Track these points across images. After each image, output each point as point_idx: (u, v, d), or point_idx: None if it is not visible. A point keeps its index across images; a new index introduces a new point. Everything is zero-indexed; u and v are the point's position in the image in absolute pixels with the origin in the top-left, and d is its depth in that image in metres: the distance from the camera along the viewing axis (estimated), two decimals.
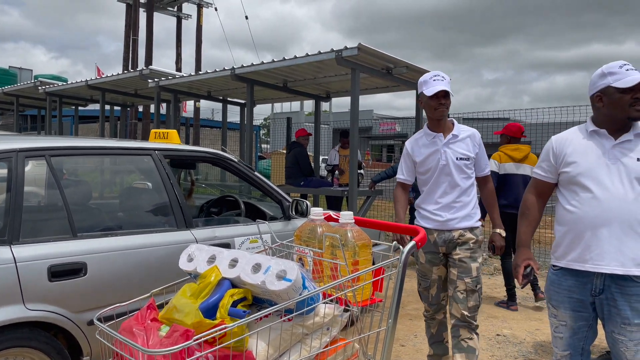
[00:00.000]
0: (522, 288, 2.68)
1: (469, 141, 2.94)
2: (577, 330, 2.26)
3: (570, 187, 2.26)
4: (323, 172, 10.83)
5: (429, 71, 6.73)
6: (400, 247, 2.05)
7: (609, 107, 2.17)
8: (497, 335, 4.24)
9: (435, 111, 2.87)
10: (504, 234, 3.01)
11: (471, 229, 2.90)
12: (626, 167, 2.13)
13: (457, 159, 2.89)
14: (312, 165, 8.14)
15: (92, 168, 4.16)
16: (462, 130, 2.97)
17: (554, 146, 2.34)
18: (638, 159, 2.13)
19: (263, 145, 31.09)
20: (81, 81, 9.51)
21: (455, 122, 3.01)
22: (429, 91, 2.82)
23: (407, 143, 3.10)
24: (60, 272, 2.37)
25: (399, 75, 6.61)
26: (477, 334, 2.86)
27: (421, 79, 2.91)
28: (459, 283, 2.85)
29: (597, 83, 2.20)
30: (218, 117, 10.84)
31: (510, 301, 5.03)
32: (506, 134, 5.16)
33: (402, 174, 3.09)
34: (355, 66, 5.90)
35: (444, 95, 2.83)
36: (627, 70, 2.14)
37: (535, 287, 5.06)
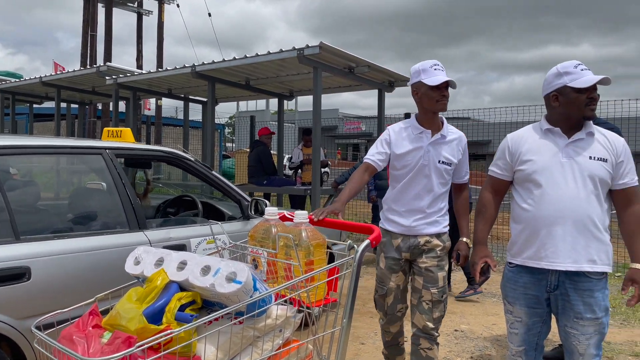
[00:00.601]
0: (479, 286, 2.70)
1: (455, 145, 2.73)
2: (532, 326, 2.30)
3: (525, 185, 2.29)
4: (288, 172, 10.78)
5: (390, 71, 6.82)
6: (355, 246, 2.03)
7: (565, 106, 2.21)
8: (455, 330, 4.30)
9: (437, 103, 2.61)
10: (470, 244, 2.73)
11: (438, 235, 2.73)
12: (579, 165, 2.17)
13: (439, 162, 2.67)
14: (276, 164, 8.10)
15: (40, 168, 4.00)
16: (450, 131, 2.74)
17: (510, 144, 2.36)
18: (590, 157, 2.17)
19: (228, 144, 30.73)
20: (35, 78, 9.17)
21: (445, 121, 2.76)
22: (431, 80, 2.57)
23: (390, 128, 2.80)
24: (2, 277, 2.26)
25: (361, 75, 6.63)
26: (437, 343, 2.73)
27: (418, 66, 2.65)
28: (425, 293, 2.68)
29: (553, 82, 2.24)
30: (181, 116, 10.64)
31: (471, 285, 5.32)
32: None
33: (373, 155, 2.72)
34: (317, 65, 5.88)
35: (446, 87, 2.61)
36: (582, 70, 2.20)
37: (470, 281, 5.44)
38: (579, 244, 2.15)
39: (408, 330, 2.84)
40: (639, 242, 2.17)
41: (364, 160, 2.75)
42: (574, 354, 2.21)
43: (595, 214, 2.15)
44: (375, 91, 7.47)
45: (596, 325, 2.16)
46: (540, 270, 2.22)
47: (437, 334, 2.71)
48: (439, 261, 2.70)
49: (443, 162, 2.68)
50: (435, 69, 2.61)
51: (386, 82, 7.24)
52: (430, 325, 2.68)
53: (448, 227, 2.78)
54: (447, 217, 2.78)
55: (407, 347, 2.87)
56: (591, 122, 2.24)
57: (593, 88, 2.18)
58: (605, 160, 2.16)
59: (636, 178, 2.19)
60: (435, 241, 2.71)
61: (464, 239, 2.73)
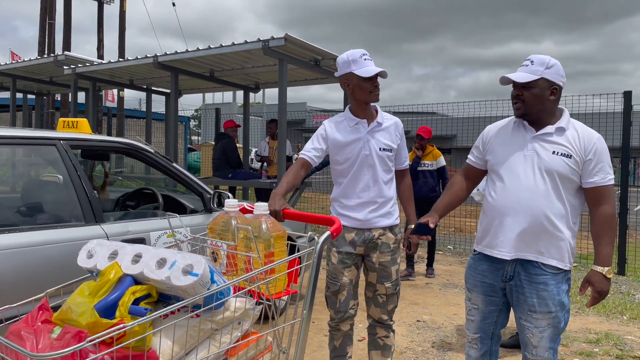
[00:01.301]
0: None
1: (392, 130, 2.72)
2: (488, 314, 2.34)
3: (491, 175, 2.34)
4: (255, 165, 10.69)
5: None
6: (315, 237, 2.03)
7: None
8: (417, 321, 4.38)
9: (371, 94, 2.59)
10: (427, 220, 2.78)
11: (391, 228, 2.71)
12: (540, 159, 2.18)
13: (380, 149, 2.64)
14: (241, 157, 8.02)
15: None
16: (385, 118, 2.72)
17: (484, 134, 2.42)
18: (553, 152, 2.17)
19: (194, 137, 30.27)
20: None
21: (379, 108, 2.75)
22: (363, 72, 2.53)
23: (325, 122, 2.75)
24: None
25: (327, 68, 6.62)
26: (393, 331, 2.81)
27: (346, 56, 2.58)
28: (379, 287, 2.70)
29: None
30: (145, 107, 10.40)
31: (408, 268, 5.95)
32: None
33: (309, 151, 2.65)
34: (282, 57, 5.84)
35: (377, 77, 2.59)
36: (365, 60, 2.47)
37: (429, 264, 6.07)
38: (528, 236, 2.18)
39: (356, 344, 2.85)
40: (602, 244, 2.14)
41: (299, 156, 2.71)
42: (528, 346, 2.25)
43: (550, 209, 2.15)
44: None
45: (550, 319, 2.18)
46: (498, 260, 2.25)
47: (391, 322, 2.80)
48: (392, 255, 2.70)
49: (384, 149, 2.66)
50: (365, 59, 2.56)
51: None
52: (385, 317, 2.76)
53: (399, 220, 2.77)
54: (397, 208, 2.77)
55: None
56: (566, 116, 2.22)
57: (514, 85, 2.23)
58: (569, 157, 2.14)
59: (609, 177, 2.14)
60: (389, 234, 2.70)
61: (412, 226, 2.64)
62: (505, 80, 2.24)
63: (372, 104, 2.70)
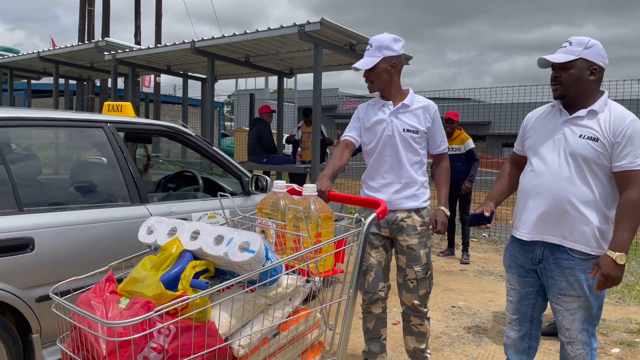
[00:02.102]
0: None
1: (421, 113, 2.69)
2: (525, 295, 2.36)
3: (527, 160, 2.36)
4: (287, 151, 10.78)
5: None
6: (362, 219, 2.07)
7: None
8: (452, 307, 4.39)
9: (368, 88, 2.74)
10: (448, 212, 2.72)
11: (417, 210, 2.68)
12: (567, 142, 2.16)
13: (404, 130, 2.65)
14: (275, 142, 8.10)
15: (42, 141, 4.00)
16: (416, 100, 2.72)
17: (524, 121, 2.45)
18: (580, 136, 2.13)
19: (227, 123, 30.60)
20: (33, 53, 9.07)
21: (412, 92, 2.76)
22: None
23: (359, 106, 2.89)
24: (5, 247, 2.28)
25: (362, 52, 6.57)
26: (427, 319, 2.79)
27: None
28: (409, 271, 2.69)
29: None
30: (180, 93, 10.56)
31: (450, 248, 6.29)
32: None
33: (348, 132, 2.79)
34: (317, 41, 5.85)
35: (367, 71, 2.67)
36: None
37: (464, 249, 6.14)
38: (548, 219, 2.17)
39: (390, 327, 2.88)
40: (619, 229, 2.06)
41: (342, 138, 2.80)
42: (561, 328, 2.26)
43: (574, 193, 2.12)
44: None
45: (580, 302, 2.17)
46: (527, 242, 2.27)
47: (425, 310, 2.76)
48: (420, 238, 2.67)
49: (408, 130, 2.66)
50: (367, 50, 2.71)
51: None
52: (417, 302, 2.72)
53: (428, 202, 2.75)
54: (427, 192, 2.76)
55: (390, 343, 2.93)
56: (602, 99, 2.17)
57: (552, 67, 2.20)
58: (595, 140, 2.10)
59: (638, 162, 2.05)
60: (415, 217, 2.67)
61: (442, 208, 2.69)
62: (543, 62, 2.22)
63: (406, 88, 2.78)
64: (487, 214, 2.38)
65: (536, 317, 2.41)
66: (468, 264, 6.01)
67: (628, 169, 2.06)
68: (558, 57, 2.16)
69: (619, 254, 2.03)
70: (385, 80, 2.69)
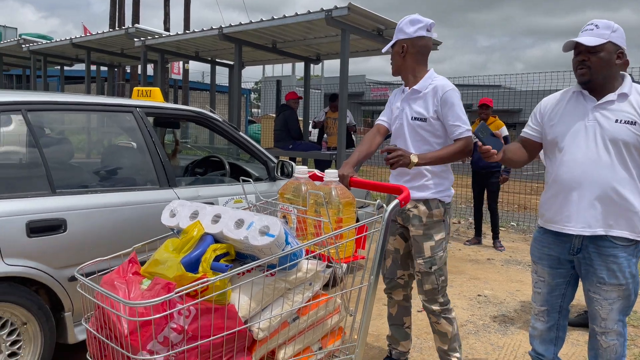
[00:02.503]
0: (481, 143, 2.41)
1: (430, 97, 2.50)
2: (555, 287, 2.31)
3: (551, 149, 2.27)
4: (313, 137, 10.77)
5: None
6: (384, 205, 2.05)
7: None
8: (478, 295, 4.34)
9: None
10: (415, 159, 2.34)
11: (425, 201, 2.55)
12: (603, 129, 2.10)
13: (412, 118, 2.53)
14: (301, 129, 8.10)
15: (73, 125, 4.09)
16: (428, 84, 2.52)
17: (541, 107, 2.35)
18: (616, 120, 2.08)
19: (254, 110, 30.77)
20: (66, 39, 9.26)
21: (429, 74, 2.56)
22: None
23: (394, 90, 2.85)
24: (39, 227, 2.35)
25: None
26: (445, 318, 2.61)
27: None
28: (416, 263, 2.62)
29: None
30: (208, 80, 10.69)
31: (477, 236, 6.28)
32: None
33: (382, 116, 2.72)
34: (345, 27, 5.79)
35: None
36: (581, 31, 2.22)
37: (495, 237, 6.14)
38: (596, 209, 2.11)
39: (415, 315, 2.83)
40: None
41: (375, 123, 2.76)
42: (596, 319, 2.21)
43: (617, 180, 2.08)
44: None
45: (620, 290, 2.13)
46: (564, 234, 2.20)
47: (436, 308, 2.60)
48: (425, 230, 2.55)
49: (415, 118, 2.52)
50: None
51: None
52: (423, 297, 2.62)
53: (443, 195, 2.57)
54: (442, 182, 2.58)
55: (415, 330, 2.90)
56: (628, 82, 2.13)
57: (578, 51, 2.13)
58: (633, 124, 2.05)
59: None
60: (421, 207, 2.55)
61: (412, 153, 2.37)
62: (569, 46, 2.16)
63: (424, 70, 2.60)
64: (497, 155, 2.21)
65: (565, 308, 2.37)
66: (504, 250, 5.96)
67: None
68: (590, 40, 2.09)
69: None
70: (398, 64, 2.61)
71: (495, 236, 6.15)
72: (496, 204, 6.17)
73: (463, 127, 2.46)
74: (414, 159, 2.33)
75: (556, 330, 2.39)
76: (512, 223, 7.76)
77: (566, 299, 2.34)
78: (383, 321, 3.62)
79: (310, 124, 8.89)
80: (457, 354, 2.67)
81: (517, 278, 4.91)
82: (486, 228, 6.89)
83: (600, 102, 2.13)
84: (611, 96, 2.11)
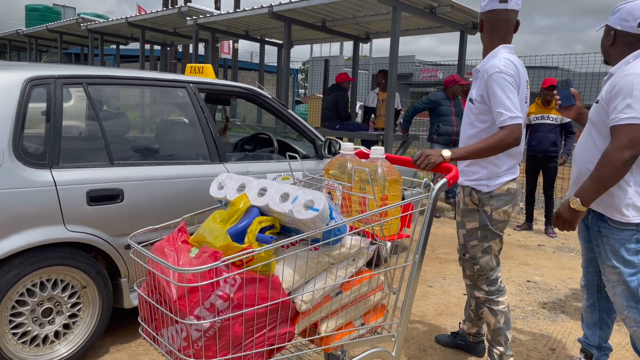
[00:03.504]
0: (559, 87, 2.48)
1: (480, 79, 2.38)
2: (589, 262, 2.40)
3: None
4: (359, 119, 10.68)
5: (475, 11, 6.41)
6: (431, 184, 2.01)
7: None
8: (528, 281, 4.22)
9: None
10: (447, 154, 2.15)
11: (464, 187, 2.51)
12: (592, 109, 2.20)
13: (469, 100, 2.47)
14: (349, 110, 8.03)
15: (129, 100, 4.23)
16: (486, 64, 2.37)
17: None
18: (596, 102, 2.16)
19: (300, 91, 30.80)
20: (121, 18, 9.55)
21: (494, 51, 2.38)
22: None
23: None
24: (99, 197, 2.47)
25: (442, 15, 6.33)
26: (488, 307, 2.54)
27: None
28: None
29: None
30: (257, 60, 10.75)
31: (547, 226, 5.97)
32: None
33: None
34: (396, 4, 5.67)
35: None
36: None
37: (548, 222, 5.98)
38: (576, 183, 2.23)
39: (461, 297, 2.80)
40: (587, 178, 2.07)
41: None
42: (610, 299, 2.28)
43: (587, 157, 2.16)
44: (457, 35, 7.12)
45: (616, 274, 2.15)
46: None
47: (480, 295, 2.55)
48: (462, 217, 2.55)
49: (471, 99, 2.46)
50: None
51: (470, 24, 6.87)
52: (466, 281, 2.65)
53: (476, 182, 2.45)
54: (477, 171, 2.44)
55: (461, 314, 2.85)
56: (622, 61, 2.12)
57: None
58: (597, 102, 2.14)
59: (620, 116, 1.97)
60: (461, 194, 2.55)
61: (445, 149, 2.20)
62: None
63: (498, 47, 2.40)
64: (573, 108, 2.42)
65: (604, 288, 2.36)
66: (556, 237, 5.78)
67: (611, 124, 2.02)
68: (599, 27, 2.30)
69: (574, 198, 2.07)
70: (483, 42, 2.48)
71: (548, 222, 5.96)
72: (553, 189, 5.97)
73: (506, 114, 2.23)
74: (446, 154, 2.14)
75: (599, 312, 2.41)
76: None
77: (602, 281, 2.32)
78: (427, 302, 3.59)
79: (358, 107, 8.78)
80: (501, 348, 2.56)
81: (569, 265, 4.74)
82: (537, 214, 6.67)
83: (603, 81, 2.21)
84: (607, 77, 2.17)
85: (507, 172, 2.44)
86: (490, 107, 2.33)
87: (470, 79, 6.22)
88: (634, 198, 2.09)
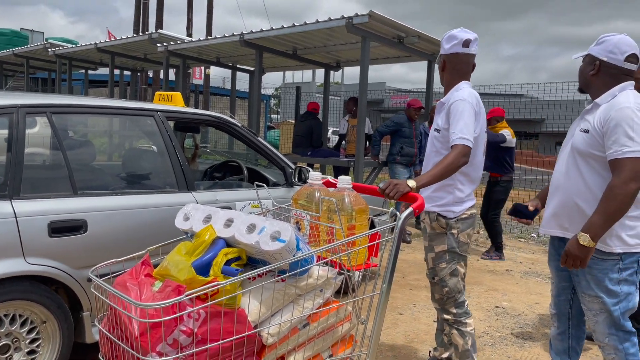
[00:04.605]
0: (509, 213, 2.57)
1: (445, 109, 2.51)
2: (561, 290, 2.38)
3: None
4: (331, 144, 10.77)
5: (440, 40, 6.60)
6: (398, 213, 2.04)
7: None
8: (496, 307, 4.26)
9: None
10: (412, 183, 2.19)
11: (429, 213, 2.59)
12: (572, 137, 2.23)
13: (435, 129, 2.59)
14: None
15: (96, 128, 4.18)
16: (450, 96, 2.51)
17: None
18: (579, 129, 2.18)
19: (273, 116, 30.95)
20: (91, 44, 9.47)
21: (457, 85, 2.54)
22: None
23: None
24: (61, 228, 2.40)
25: (410, 45, 6.50)
26: (457, 329, 2.59)
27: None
28: None
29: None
30: (229, 85, 10.81)
31: (497, 252, 5.97)
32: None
33: None
34: (365, 34, 5.80)
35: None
36: None
37: (494, 247, 6.00)
38: (554, 213, 2.26)
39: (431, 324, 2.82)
40: (594, 212, 2.05)
41: None
42: (592, 331, 2.26)
43: (572, 187, 2.18)
44: (424, 63, 7.31)
45: (600, 303, 2.14)
46: (557, 237, 2.33)
47: (448, 317, 2.61)
48: (429, 241, 2.62)
49: (435, 129, 2.59)
50: None
51: (436, 53, 7.07)
52: (435, 305, 2.69)
53: (442, 208, 2.54)
54: (442, 197, 2.54)
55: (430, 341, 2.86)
56: (610, 92, 2.14)
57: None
58: (586, 132, 2.13)
59: (622, 150, 1.99)
60: (427, 219, 2.63)
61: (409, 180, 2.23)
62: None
63: (456, 83, 2.58)
64: (531, 208, 2.44)
65: (575, 316, 2.37)
66: (488, 259, 5.88)
67: (612, 157, 2.04)
68: (576, 54, 2.29)
69: (583, 234, 2.04)
70: (440, 77, 2.66)
71: (495, 247, 5.97)
72: (495, 215, 5.86)
73: (457, 134, 2.36)
74: (412, 184, 2.20)
75: (569, 339, 2.41)
76: (532, 234, 7.62)
77: (574, 305, 2.35)
78: (397, 330, 3.59)
79: (331, 131, 8.89)
80: None
81: (536, 290, 4.82)
82: (506, 239, 6.78)
83: (583, 111, 2.25)
84: (589, 105, 2.21)
85: (470, 197, 2.59)
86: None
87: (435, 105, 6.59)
88: (617, 229, 2.09)
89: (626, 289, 2.13)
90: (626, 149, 1.99)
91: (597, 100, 2.15)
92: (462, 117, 2.40)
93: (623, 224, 2.09)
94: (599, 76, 2.18)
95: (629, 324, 2.17)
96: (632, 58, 2.13)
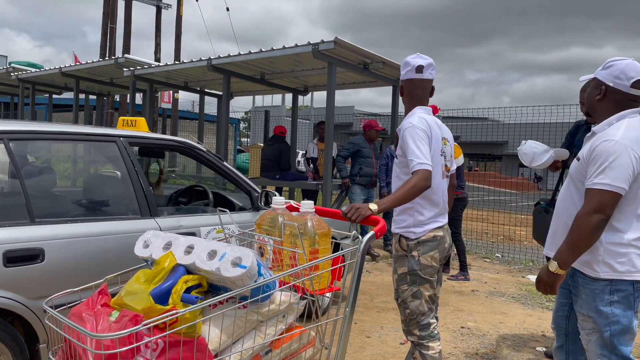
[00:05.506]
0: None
1: (401, 135, 2.59)
2: (560, 306, 2.40)
3: None
4: (302, 167, 10.81)
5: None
6: (360, 236, 2.06)
7: None
8: (462, 327, 4.31)
9: None
10: (374, 207, 2.27)
11: (394, 235, 2.68)
12: (573, 165, 2.26)
13: (395, 156, 2.70)
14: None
15: (56, 154, 4.10)
16: (404, 122, 2.61)
17: None
18: (577, 159, 2.20)
19: (243, 139, 30.89)
20: (55, 68, 9.33)
21: (411, 112, 2.64)
22: None
23: None
24: (17, 257, 2.33)
25: (375, 71, 6.63)
26: (420, 352, 2.59)
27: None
28: None
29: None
30: (197, 109, 10.78)
31: (462, 272, 6.07)
32: None
33: None
34: (331, 60, 5.91)
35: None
36: None
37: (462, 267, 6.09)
38: (554, 235, 2.28)
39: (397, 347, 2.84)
40: (561, 244, 2.09)
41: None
42: (577, 343, 2.28)
43: (566, 210, 2.21)
44: (389, 88, 7.47)
45: (591, 323, 2.14)
46: None
47: (411, 339, 2.62)
48: (393, 263, 2.68)
49: (396, 155, 2.67)
50: None
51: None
52: (402, 326, 2.68)
53: (404, 230, 2.59)
54: (404, 219, 2.59)
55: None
56: (607, 120, 2.15)
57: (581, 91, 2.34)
58: (579, 159, 2.19)
59: (594, 181, 2.02)
60: (394, 240, 2.70)
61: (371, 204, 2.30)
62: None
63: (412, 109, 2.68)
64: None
65: (571, 332, 2.37)
66: (453, 279, 5.99)
67: (586, 186, 2.07)
68: (583, 76, 2.33)
69: (552, 262, 2.09)
70: (404, 104, 2.73)
71: (461, 266, 6.10)
72: (457, 234, 5.98)
73: (415, 161, 2.43)
74: (373, 207, 2.27)
75: (566, 354, 2.41)
76: (496, 254, 7.77)
77: (570, 322, 2.36)
78: (365, 354, 3.58)
79: (300, 155, 8.94)
80: None
81: (500, 310, 4.89)
82: (472, 259, 6.89)
83: (585, 137, 2.25)
84: (590, 133, 2.22)
85: (432, 220, 2.59)
86: None
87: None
88: (604, 255, 2.09)
89: (619, 311, 2.09)
90: (597, 180, 2.01)
91: (595, 128, 2.18)
92: (414, 142, 2.47)
93: (612, 250, 2.08)
94: (604, 101, 2.17)
95: (626, 350, 2.12)
96: (638, 84, 2.11)
